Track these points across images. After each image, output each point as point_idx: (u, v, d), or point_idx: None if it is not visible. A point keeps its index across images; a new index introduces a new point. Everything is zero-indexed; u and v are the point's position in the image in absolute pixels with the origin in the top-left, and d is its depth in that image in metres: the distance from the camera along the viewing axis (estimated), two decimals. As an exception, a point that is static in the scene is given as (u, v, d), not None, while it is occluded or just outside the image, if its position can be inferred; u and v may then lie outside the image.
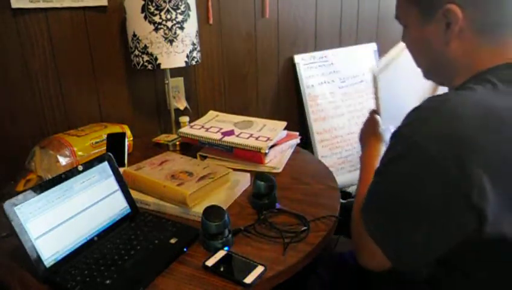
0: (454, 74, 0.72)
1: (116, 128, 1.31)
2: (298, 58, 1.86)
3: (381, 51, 1.99)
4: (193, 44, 1.35)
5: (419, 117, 0.63)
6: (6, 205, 0.71)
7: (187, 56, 1.33)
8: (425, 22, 0.70)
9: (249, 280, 0.71)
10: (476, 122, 0.59)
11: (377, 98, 0.98)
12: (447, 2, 0.66)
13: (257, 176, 0.96)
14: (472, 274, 0.65)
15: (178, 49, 1.31)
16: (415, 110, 0.64)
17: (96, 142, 1.23)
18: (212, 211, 0.81)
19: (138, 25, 1.29)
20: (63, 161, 1.13)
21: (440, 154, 0.58)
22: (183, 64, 1.33)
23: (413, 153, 0.61)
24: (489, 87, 0.63)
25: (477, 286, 0.65)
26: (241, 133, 1.23)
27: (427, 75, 0.80)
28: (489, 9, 0.66)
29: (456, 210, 0.58)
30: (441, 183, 0.58)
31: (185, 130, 1.27)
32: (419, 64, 0.78)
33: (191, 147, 1.33)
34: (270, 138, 1.18)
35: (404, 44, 0.80)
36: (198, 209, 0.91)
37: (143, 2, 1.26)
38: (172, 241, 0.83)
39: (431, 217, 0.60)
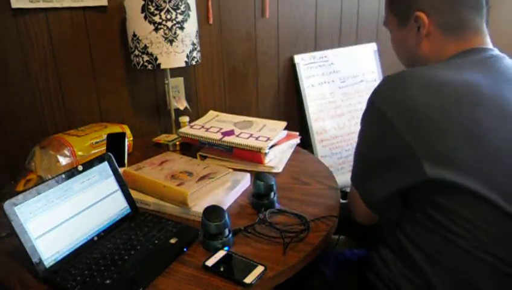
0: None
1: (116, 128, 1.31)
2: (298, 58, 1.86)
3: (381, 51, 1.99)
4: (193, 44, 1.35)
5: (381, 85, 0.77)
6: (6, 205, 0.71)
7: (187, 56, 1.33)
8: (402, 27, 0.87)
9: (249, 279, 0.71)
10: (418, 85, 0.72)
11: None
12: (417, 10, 0.81)
13: (257, 176, 0.96)
14: (429, 215, 0.72)
15: (178, 49, 1.31)
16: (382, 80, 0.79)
17: (96, 142, 1.23)
18: (212, 211, 0.81)
19: (138, 25, 1.29)
20: (63, 161, 1.13)
21: (391, 115, 0.72)
22: (183, 64, 1.33)
23: (374, 115, 0.76)
24: (443, 64, 0.78)
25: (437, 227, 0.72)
26: (241, 133, 1.23)
27: (407, 66, 0.94)
28: (449, 16, 0.80)
29: (401, 157, 0.71)
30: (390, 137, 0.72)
31: (185, 130, 1.27)
32: (400, 59, 0.94)
33: (191, 147, 1.33)
34: (270, 138, 1.18)
35: None
36: (198, 209, 0.91)
37: (143, 2, 1.26)
38: (172, 241, 0.83)
39: (385, 165, 0.74)
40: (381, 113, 0.73)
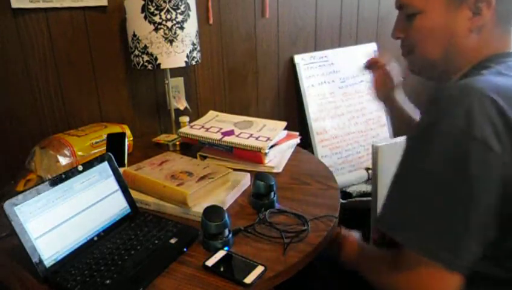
0: (459, 67, 0.72)
1: (116, 128, 1.31)
2: (298, 58, 1.86)
3: (381, 51, 1.99)
4: (193, 44, 1.35)
5: (444, 108, 0.60)
6: (6, 205, 0.71)
7: (187, 56, 1.33)
8: (451, 7, 0.68)
9: (249, 279, 0.71)
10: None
11: None
12: None
13: (257, 176, 0.96)
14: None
15: (178, 49, 1.31)
16: (434, 103, 0.61)
17: (96, 142, 1.23)
18: (212, 211, 0.81)
19: (138, 25, 1.29)
20: (63, 161, 1.13)
21: (495, 144, 0.56)
22: (183, 64, 1.33)
23: (471, 149, 0.57)
24: (494, 72, 0.65)
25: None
26: (241, 133, 1.23)
27: (428, 68, 0.77)
28: (510, 5, 0.67)
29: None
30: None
31: (185, 130, 1.27)
32: (427, 56, 0.75)
33: (191, 147, 1.33)
34: (270, 138, 1.18)
35: None
36: (198, 209, 0.91)
37: (143, 2, 1.26)
38: (172, 241, 0.83)
39: (479, 198, 0.57)
40: (483, 145, 0.56)
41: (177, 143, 1.38)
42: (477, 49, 0.69)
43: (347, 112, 1.93)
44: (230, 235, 0.82)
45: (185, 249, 0.82)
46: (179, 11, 1.28)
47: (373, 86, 1.14)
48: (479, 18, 0.67)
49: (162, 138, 1.44)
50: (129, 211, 0.92)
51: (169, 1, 1.26)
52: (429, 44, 0.73)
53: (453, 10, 0.68)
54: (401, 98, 1.11)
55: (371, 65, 1.11)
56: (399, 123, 1.12)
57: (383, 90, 1.12)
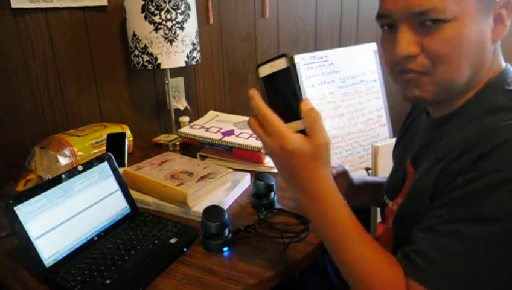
0: (469, 88, 0.63)
1: (116, 128, 1.31)
2: (298, 58, 1.86)
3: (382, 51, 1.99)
4: (193, 44, 1.35)
5: None
6: (6, 205, 0.71)
7: (187, 56, 1.33)
8: (482, 13, 0.57)
9: None
10: None
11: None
12: None
13: (257, 176, 0.96)
14: None
15: (178, 49, 1.31)
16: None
17: (96, 142, 1.23)
18: (212, 211, 0.81)
19: (138, 25, 1.29)
20: (63, 161, 1.13)
21: None
22: (183, 64, 1.33)
23: None
24: None
25: None
26: (241, 133, 1.23)
27: (445, 92, 0.62)
28: None
29: None
30: None
31: (185, 130, 1.27)
32: (455, 75, 0.60)
33: (191, 147, 1.33)
34: (270, 138, 1.17)
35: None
36: (198, 209, 0.91)
37: (143, 2, 1.26)
38: (172, 241, 0.83)
39: None
40: None
41: (177, 143, 1.38)
42: (490, 67, 0.62)
43: (347, 112, 1.93)
44: (230, 235, 0.82)
45: (185, 249, 0.82)
46: (179, 11, 1.28)
47: None
48: (502, 28, 0.59)
49: (162, 138, 1.44)
50: (129, 211, 0.92)
51: (169, 1, 1.26)
52: (462, 58, 0.58)
53: (484, 16, 0.57)
54: (353, 177, 0.95)
55: None
56: (374, 195, 0.93)
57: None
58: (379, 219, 1.48)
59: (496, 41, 0.60)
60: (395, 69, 0.64)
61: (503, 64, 0.65)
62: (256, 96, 0.60)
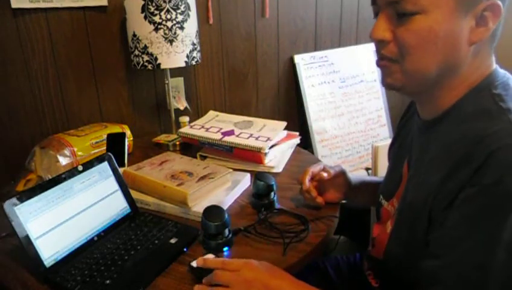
0: (452, 86, 0.63)
1: (116, 128, 1.31)
2: (298, 58, 1.86)
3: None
4: (193, 44, 1.35)
5: None
6: (6, 205, 0.71)
7: (187, 56, 1.33)
8: (459, 12, 0.57)
9: None
10: None
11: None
12: None
13: (257, 176, 0.96)
14: None
15: (178, 49, 1.31)
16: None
17: (96, 142, 1.23)
18: (212, 211, 0.81)
19: (138, 25, 1.29)
20: (63, 161, 1.13)
21: None
22: (183, 64, 1.34)
23: None
24: None
25: None
26: (241, 133, 1.23)
27: (416, 83, 0.64)
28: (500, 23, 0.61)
29: None
30: None
31: (185, 130, 1.27)
32: (421, 66, 0.61)
33: (191, 147, 1.33)
34: (270, 138, 1.18)
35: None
36: (198, 209, 0.91)
37: (143, 2, 1.26)
38: (172, 241, 0.83)
39: None
40: None
41: (177, 143, 1.38)
42: (473, 69, 0.62)
43: (347, 112, 1.93)
44: (230, 235, 0.82)
45: (185, 249, 0.82)
46: (179, 11, 1.28)
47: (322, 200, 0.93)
48: (484, 30, 0.59)
49: (162, 138, 1.44)
50: (129, 211, 0.92)
51: (169, 1, 1.26)
52: (428, 52, 0.60)
53: (461, 16, 0.57)
54: (351, 177, 0.96)
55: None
56: (373, 195, 0.91)
57: (337, 192, 0.95)
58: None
59: (474, 43, 0.59)
60: (377, 56, 0.67)
61: (493, 66, 0.64)
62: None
